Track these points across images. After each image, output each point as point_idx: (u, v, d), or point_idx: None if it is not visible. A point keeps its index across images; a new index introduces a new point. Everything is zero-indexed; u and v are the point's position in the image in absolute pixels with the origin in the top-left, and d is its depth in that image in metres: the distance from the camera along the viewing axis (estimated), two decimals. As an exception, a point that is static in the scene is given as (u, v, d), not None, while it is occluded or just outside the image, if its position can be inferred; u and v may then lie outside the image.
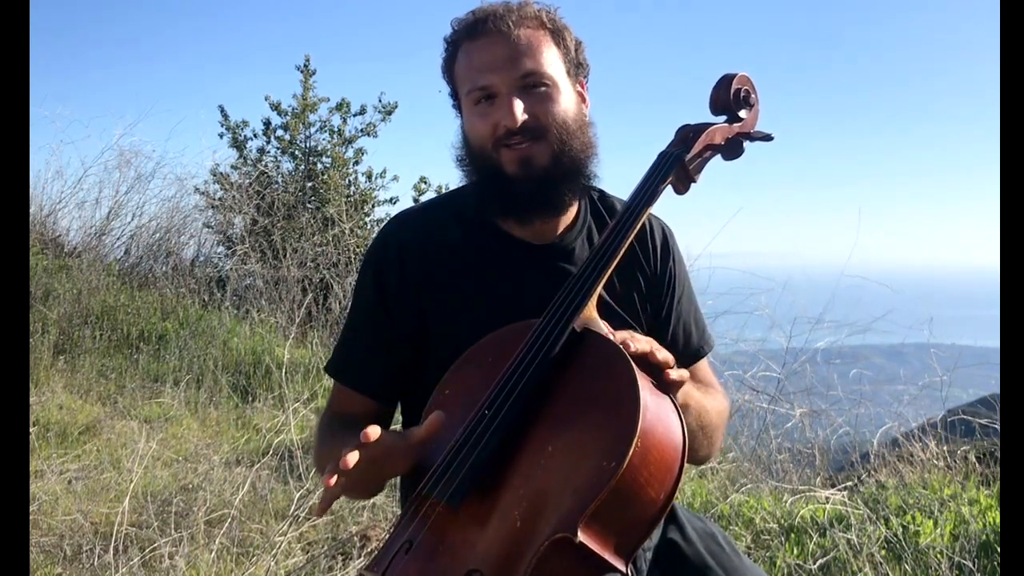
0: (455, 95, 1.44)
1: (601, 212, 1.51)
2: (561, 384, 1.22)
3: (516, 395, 1.20)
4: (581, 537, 1.08)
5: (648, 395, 1.15)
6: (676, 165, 1.38)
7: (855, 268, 5.03)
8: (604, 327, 1.29)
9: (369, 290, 1.46)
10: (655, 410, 1.15)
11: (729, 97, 1.43)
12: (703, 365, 1.55)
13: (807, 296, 5.36)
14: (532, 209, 1.40)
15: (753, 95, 1.46)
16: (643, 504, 1.14)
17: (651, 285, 1.50)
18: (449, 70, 1.43)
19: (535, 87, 1.36)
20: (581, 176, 1.41)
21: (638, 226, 1.35)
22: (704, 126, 1.43)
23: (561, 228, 1.46)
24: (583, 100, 1.44)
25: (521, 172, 1.36)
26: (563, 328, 1.25)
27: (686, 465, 1.18)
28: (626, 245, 1.33)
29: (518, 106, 1.34)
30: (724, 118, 1.45)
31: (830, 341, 5.11)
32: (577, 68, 1.43)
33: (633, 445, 1.10)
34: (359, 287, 1.50)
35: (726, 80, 1.43)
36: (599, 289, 1.30)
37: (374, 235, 1.64)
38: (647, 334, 1.49)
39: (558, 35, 1.40)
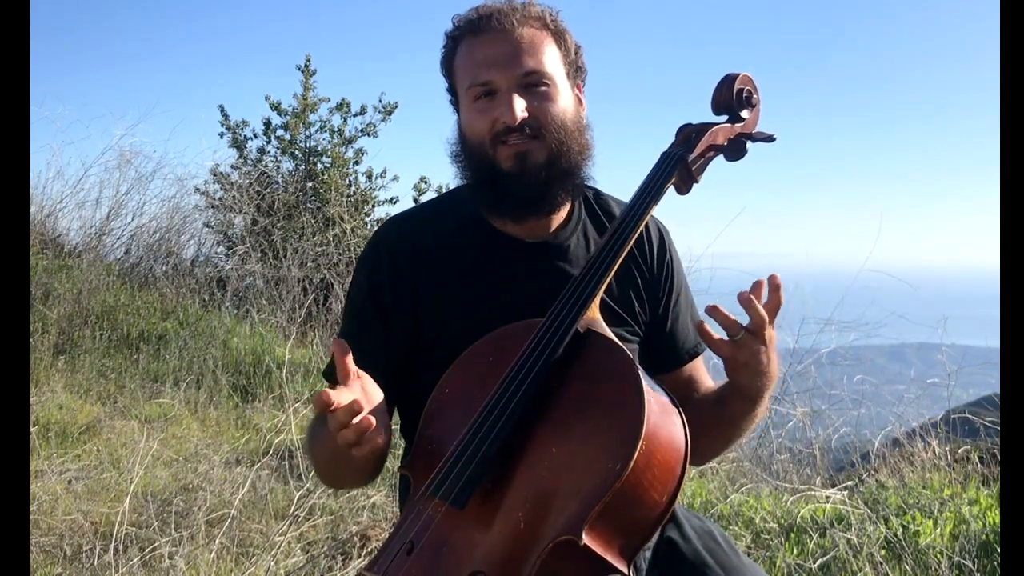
0: (453, 90, 1.44)
1: (596, 210, 1.51)
2: (565, 385, 1.22)
3: (520, 396, 1.20)
4: (586, 539, 1.08)
5: (652, 397, 1.15)
6: (679, 165, 1.38)
7: (869, 268, 5.03)
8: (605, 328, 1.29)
9: (363, 292, 1.46)
10: (659, 412, 1.15)
11: (732, 97, 1.43)
12: (699, 363, 1.55)
13: (815, 297, 5.36)
14: (525, 207, 1.40)
15: (755, 95, 1.45)
16: (647, 506, 1.14)
17: (648, 284, 1.50)
18: (448, 65, 1.43)
19: (535, 86, 1.36)
20: (576, 177, 1.41)
21: (642, 226, 1.35)
22: (706, 126, 1.43)
23: (555, 225, 1.46)
24: (580, 103, 1.44)
25: (516, 168, 1.36)
26: (567, 328, 1.25)
27: (688, 466, 1.18)
28: (630, 245, 1.33)
29: (518, 103, 1.34)
30: (726, 118, 1.45)
31: (837, 342, 5.11)
32: (576, 71, 1.44)
33: (638, 447, 1.10)
34: (353, 289, 1.50)
35: (728, 80, 1.43)
36: (603, 289, 1.30)
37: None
38: (643, 333, 1.49)
39: (559, 37, 1.40)
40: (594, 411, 1.19)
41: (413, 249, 1.44)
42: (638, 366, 1.19)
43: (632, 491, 1.11)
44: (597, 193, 1.53)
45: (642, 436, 1.10)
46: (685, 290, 1.55)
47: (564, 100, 1.38)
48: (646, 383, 1.16)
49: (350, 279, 1.56)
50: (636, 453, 1.09)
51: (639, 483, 1.11)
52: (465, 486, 1.16)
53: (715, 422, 1.41)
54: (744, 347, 1.25)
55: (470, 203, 1.44)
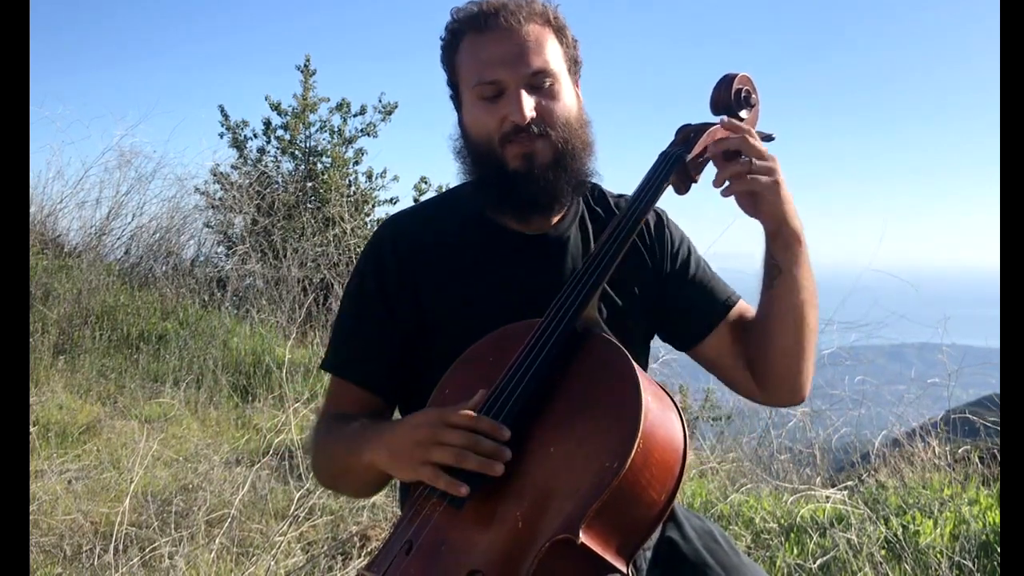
0: (454, 85, 1.44)
1: (594, 204, 1.52)
2: (563, 385, 1.22)
3: (518, 396, 1.20)
4: (583, 538, 1.08)
5: (650, 396, 1.15)
6: (677, 165, 1.38)
7: (872, 268, 5.03)
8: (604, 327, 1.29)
9: (371, 285, 1.46)
10: (657, 411, 1.16)
11: (730, 97, 1.43)
12: (741, 308, 1.52)
13: (819, 297, 5.35)
14: (531, 206, 1.41)
15: (754, 95, 1.45)
16: (645, 505, 1.14)
17: (652, 270, 1.50)
18: (449, 60, 1.42)
19: (542, 84, 1.36)
20: (581, 174, 1.42)
21: (639, 226, 1.36)
22: (705, 126, 1.43)
23: (555, 219, 1.46)
24: (579, 97, 1.44)
25: (524, 167, 1.36)
26: (565, 328, 1.25)
27: (687, 464, 1.18)
28: (628, 245, 1.34)
29: (527, 102, 1.34)
30: (725, 118, 1.46)
31: (838, 343, 5.10)
32: (575, 65, 1.44)
33: (635, 446, 1.10)
34: (358, 283, 1.49)
35: (727, 80, 1.43)
36: (600, 289, 1.30)
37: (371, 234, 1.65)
38: (645, 319, 1.49)
39: (560, 32, 1.40)
40: (592, 410, 1.19)
41: (416, 247, 1.45)
42: (636, 365, 1.19)
43: (630, 489, 1.11)
44: (595, 187, 1.53)
45: (639, 434, 1.10)
46: (695, 257, 1.55)
47: (568, 97, 1.39)
48: (644, 382, 1.16)
49: (349, 277, 1.55)
50: (633, 451, 1.10)
51: (637, 481, 1.12)
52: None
53: (780, 304, 1.40)
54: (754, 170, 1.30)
55: (471, 200, 1.45)
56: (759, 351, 1.45)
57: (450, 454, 1.15)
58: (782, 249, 1.37)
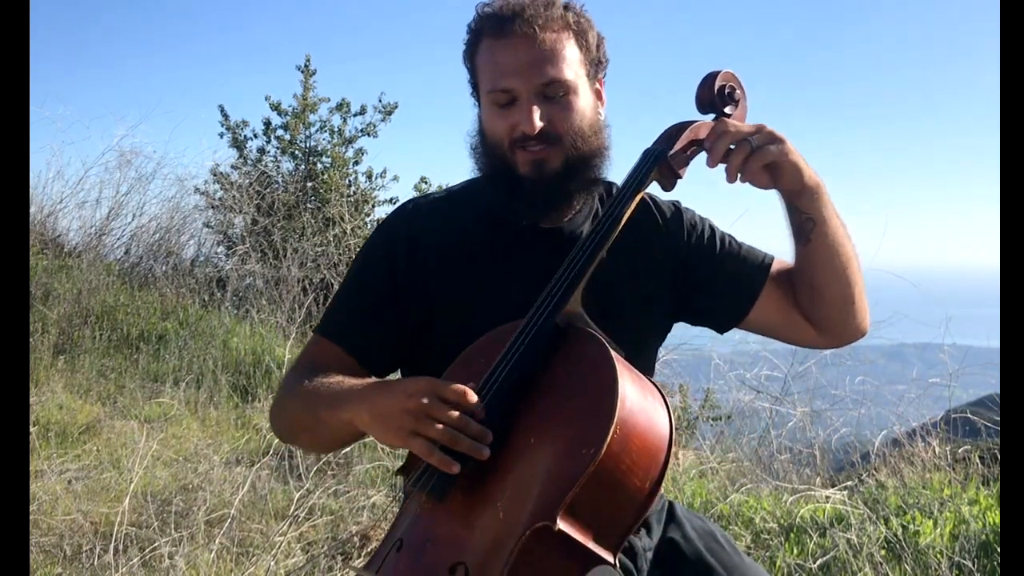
0: (474, 84, 1.45)
1: (604, 196, 1.53)
2: (545, 379, 1.24)
3: (497, 389, 1.21)
4: (561, 525, 1.08)
5: (628, 383, 1.16)
6: (658, 162, 1.40)
7: (874, 267, 5.03)
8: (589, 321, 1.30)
9: (380, 263, 1.47)
10: (636, 399, 1.16)
11: (713, 94, 1.44)
12: (781, 267, 1.53)
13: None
14: (540, 208, 1.42)
15: (738, 91, 1.46)
16: (627, 492, 1.14)
17: (671, 264, 1.51)
18: (471, 58, 1.44)
19: (555, 94, 1.37)
20: (592, 179, 1.43)
21: (621, 224, 1.36)
22: (688, 123, 1.44)
23: (568, 214, 1.48)
24: (599, 98, 1.45)
25: (533, 174, 1.38)
26: (544, 324, 1.27)
27: (674, 454, 1.19)
28: (609, 243, 1.34)
29: (536, 113, 1.35)
30: (712, 116, 1.46)
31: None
32: (596, 66, 1.44)
33: (611, 431, 1.10)
34: (368, 258, 1.50)
35: (710, 77, 1.44)
36: (581, 286, 1.31)
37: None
38: (654, 316, 1.50)
39: (582, 36, 1.40)
40: (571, 399, 1.20)
41: (429, 235, 1.46)
42: (614, 356, 1.19)
43: (609, 476, 1.11)
44: (611, 184, 1.54)
45: (615, 421, 1.11)
46: (718, 233, 1.56)
47: (583, 106, 1.39)
48: (622, 370, 1.17)
49: (358, 253, 1.54)
50: (609, 437, 1.10)
51: (616, 468, 1.12)
52: (443, 478, 1.17)
53: (822, 252, 1.42)
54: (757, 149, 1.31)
55: (485, 193, 1.46)
56: (814, 304, 1.48)
57: (444, 433, 1.15)
58: (810, 202, 1.39)
